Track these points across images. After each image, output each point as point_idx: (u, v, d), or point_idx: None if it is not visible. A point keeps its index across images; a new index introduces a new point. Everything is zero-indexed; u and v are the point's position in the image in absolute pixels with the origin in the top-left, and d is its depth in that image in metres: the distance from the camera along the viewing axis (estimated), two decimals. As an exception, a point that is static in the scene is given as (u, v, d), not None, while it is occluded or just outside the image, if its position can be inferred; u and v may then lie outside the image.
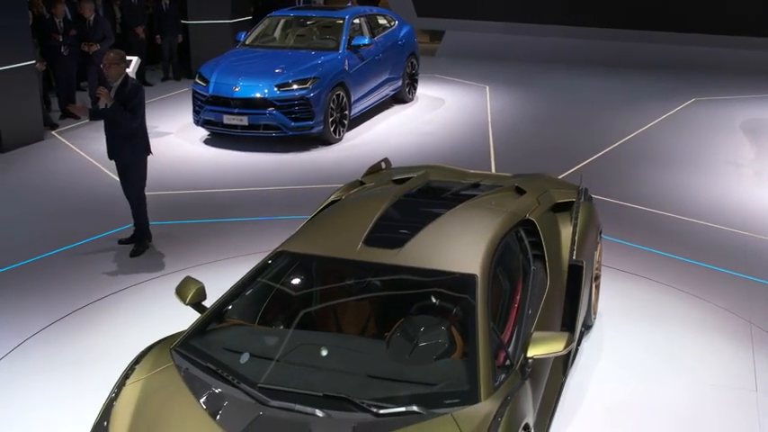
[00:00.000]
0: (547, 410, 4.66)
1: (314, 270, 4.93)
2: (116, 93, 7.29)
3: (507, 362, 4.24)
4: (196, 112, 11.25)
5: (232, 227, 8.34)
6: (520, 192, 5.87)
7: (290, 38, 12.53)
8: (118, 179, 7.69)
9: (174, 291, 4.79)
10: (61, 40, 12.41)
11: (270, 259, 4.85)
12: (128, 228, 7.89)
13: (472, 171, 6.92)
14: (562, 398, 5.02)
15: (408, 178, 6.11)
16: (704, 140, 11.60)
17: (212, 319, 4.53)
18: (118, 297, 6.79)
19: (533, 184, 6.09)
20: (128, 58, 11.22)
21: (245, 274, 4.82)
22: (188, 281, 4.79)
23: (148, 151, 7.61)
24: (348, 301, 4.83)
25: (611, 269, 6.99)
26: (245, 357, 4.22)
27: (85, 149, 11.03)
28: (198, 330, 4.44)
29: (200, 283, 4.77)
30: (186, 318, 4.84)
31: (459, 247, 4.69)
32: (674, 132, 12.01)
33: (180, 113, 12.93)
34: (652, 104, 13.62)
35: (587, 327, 5.99)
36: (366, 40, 12.07)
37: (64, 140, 11.63)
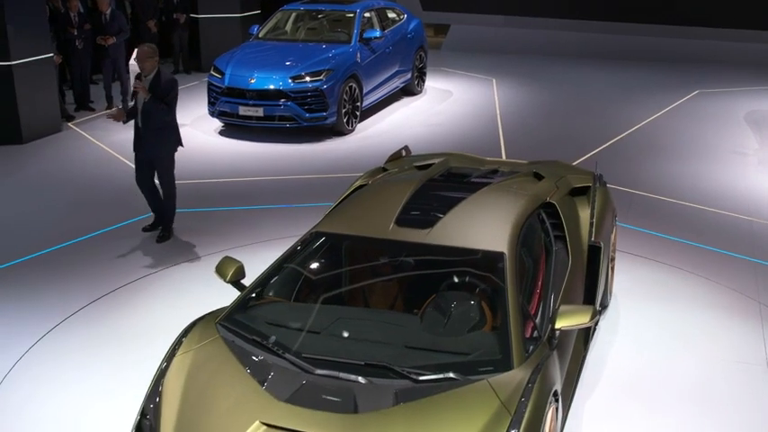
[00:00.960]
0: (570, 382, 4.90)
1: (347, 249, 5.17)
2: (150, 86, 7.45)
3: (535, 333, 4.49)
4: (211, 104, 11.47)
5: (254, 214, 8.58)
6: (538, 177, 6.12)
7: (302, 31, 12.75)
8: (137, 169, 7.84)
9: (215, 269, 5.03)
10: (76, 33, 12.61)
11: (305, 239, 5.09)
12: (150, 216, 8.09)
13: (489, 158, 7.16)
14: (583, 371, 5.27)
15: (429, 164, 6.34)
16: (709, 131, 11.83)
17: (253, 296, 4.77)
18: (150, 280, 7.03)
19: (550, 170, 6.33)
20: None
21: (279, 255, 5.06)
22: (227, 260, 5.02)
23: (179, 143, 7.81)
24: (381, 278, 5.07)
25: (624, 253, 7.24)
26: (286, 331, 4.46)
27: (104, 140, 11.25)
28: (240, 306, 4.68)
29: (240, 262, 5.00)
30: (217, 299, 5.07)
31: (486, 226, 4.93)
32: (680, 123, 12.25)
33: (193, 105, 13.15)
34: (657, 96, 13.85)
35: (604, 306, 6.23)
36: (377, 33, 12.30)
37: (81, 132, 11.85)
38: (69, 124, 12.18)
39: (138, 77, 7.62)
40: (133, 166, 8.04)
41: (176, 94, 7.57)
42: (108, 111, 7.64)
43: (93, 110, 12.96)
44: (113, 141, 11.09)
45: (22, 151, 10.92)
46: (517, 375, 4.07)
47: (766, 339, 5.97)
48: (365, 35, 12.13)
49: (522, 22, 18.47)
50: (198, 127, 11.99)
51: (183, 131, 11.62)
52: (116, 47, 12.54)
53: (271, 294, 4.86)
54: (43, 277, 7.08)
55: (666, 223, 8.16)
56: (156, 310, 6.48)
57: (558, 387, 4.28)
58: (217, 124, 11.90)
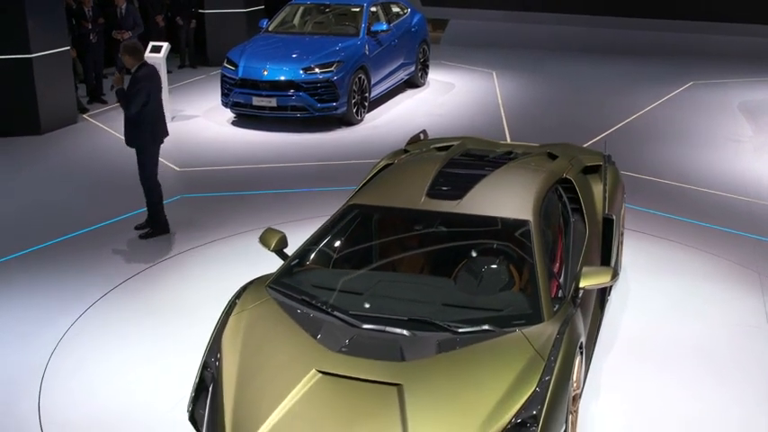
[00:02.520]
0: (590, 341, 5.31)
1: (381, 220, 5.58)
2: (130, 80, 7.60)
3: (560, 293, 4.89)
4: (225, 95, 11.82)
5: (274, 198, 8.95)
6: (552, 157, 6.52)
7: (309, 24, 13.12)
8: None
9: (258, 239, 5.41)
10: (90, 27, 12.94)
11: (341, 212, 5.48)
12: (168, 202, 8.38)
13: (502, 141, 7.56)
14: (600, 333, 5.68)
15: (448, 146, 6.74)
16: (704, 120, 12.28)
17: (297, 263, 5.15)
18: (177, 260, 7.40)
19: (563, 151, 6.73)
20: (158, 44, 11.88)
21: (301, 234, 5.45)
22: (270, 231, 5.41)
23: (155, 140, 7.72)
24: (415, 245, 5.48)
25: (631, 231, 7.65)
26: (331, 292, 4.85)
27: (120, 131, 11.53)
28: (286, 271, 5.07)
29: (282, 232, 5.39)
30: (248, 274, 5.39)
31: (511, 197, 5.34)
32: (676, 112, 12.69)
33: (203, 98, 13.51)
34: (653, 88, 14.29)
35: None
36: (384, 27, 12.68)
37: (97, 123, 12.18)
38: (84, 116, 12.51)
39: (120, 71, 7.81)
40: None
41: (138, 91, 7.43)
42: (118, 75, 7.80)
43: (105, 102, 13.28)
44: (130, 132, 11.40)
45: (41, 141, 11.25)
46: (548, 327, 4.47)
47: (766, 305, 6.39)
48: (373, 28, 12.52)
49: (520, 17, 18.92)
50: (210, 118, 12.34)
51: (197, 122, 12.15)
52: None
53: (312, 262, 5.24)
54: (79, 257, 7.43)
55: (670, 204, 8.59)
56: (187, 286, 6.87)
57: (583, 340, 4.69)
58: (229, 115, 12.26)
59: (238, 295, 4.91)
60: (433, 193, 5.37)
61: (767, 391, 5.32)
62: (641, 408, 5.14)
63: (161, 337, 6.01)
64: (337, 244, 5.38)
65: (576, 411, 4.72)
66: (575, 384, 4.51)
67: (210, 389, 4.39)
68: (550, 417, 4.05)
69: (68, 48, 11.93)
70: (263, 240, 5.38)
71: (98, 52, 13.25)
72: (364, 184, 6.07)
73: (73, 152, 10.86)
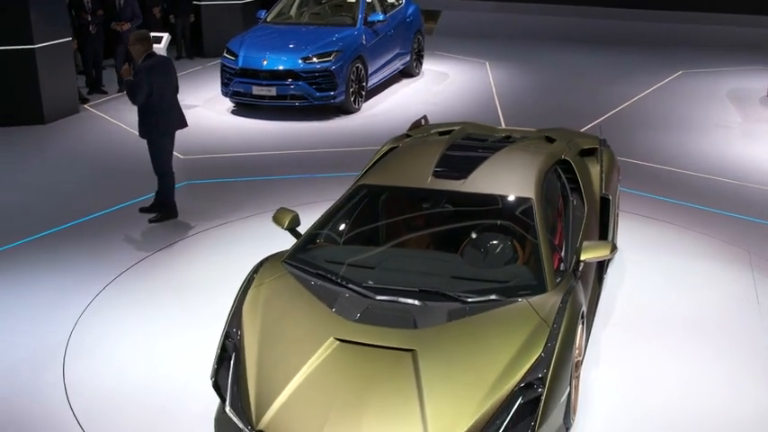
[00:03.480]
0: (590, 313, 5.58)
1: (389, 199, 5.83)
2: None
3: (562, 266, 5.16)
4: (225, 85, 12.03)
5: (278, 183, 9.18)
6: (549, 140, 6.78)
7: (306, 15, 13.34)
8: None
9: (272, 218, 5.65)
10: (90, 19, 13.10)
11: (351, 192, 5.72)
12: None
13: (500, 127, 7.81)
14: (598, 306, 5.96)
15: (449, 131, 6.99)
16: (694, 107, 12.58)
17: (310, 240, 5.40)
18: (192, 240, 7.64)
19: (560, 135, 7.00)
20: (158, 35, 12.07)
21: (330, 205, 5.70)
22: (283, 210, 5.65)
23: (166, 129, 7.85)
24: (422, 223, 5.73)
25: (626, 213, 7.92)
26: (344, 267, 5.10)
27: (123, 120, 11.77)
28: (301, 248, 5.32)
29: (295, 211, 5.63)
30: (258, 254, 5.60)
31: (513, 176, 5.60)
32: (667, 100, 12.98)
33: (202, 88, 13.70)
34: (643, 76, 14.58)
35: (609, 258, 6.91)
36: (381, 17, 12.91)
37: (98, 113, 12.37)
38: (85, 106, 12.69)
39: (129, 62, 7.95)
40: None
41: (140, 81, 7.53)
42: (125, 68, 7.93)
43: (105, 92, 13.46)
44: (132, 121, 11.56)
45: (45, 131, 11.43)
46: (551, 297, 4.74)
47: (756, 281, 6.69)
48: (369, 18, 12.74)
49: (512, 8, 19.17)
50: (210, 108, 12.54)
51: (198, 111, 12.33)
52: (130, 32, 13.01)
53: (325, 239, 5.49)
54: (91, 240, 7.65)
55: (662, 187, 8.89)
56: (199, 266, 7.12)
57: (584, 309, 4.95)
58: (228, 104, 12.46)
59: (256, 270, 5.16)
60: (439, 173, 5.63)
61: (754, 358, 5.61)
62: (638, 374, 5.42)
63: (177, 314, 6.24)
64: (348, 222, 5.63)
65: (579, 377, 4.99)
66: (577, 351, 4.77)
67: (233, 357, 4.63)
68: (556, 379, 4.32)
69: (70, 39, 12.10)
70: (277, 219, 5.62)
71: (97, 43, 13.41)
72: (371, 166, 6.31)
73: (77, 141, 11.05)
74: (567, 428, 4.68)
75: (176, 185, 8.72)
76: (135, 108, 7.94)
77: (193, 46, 16.72)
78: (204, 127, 11.54)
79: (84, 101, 12.90)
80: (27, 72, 11.40)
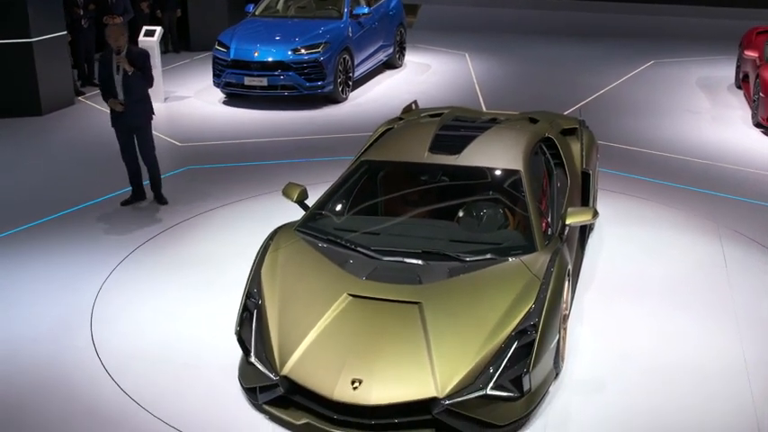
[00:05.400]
0: (575, 273, 6.13)
1: (390, 173, 6.34)
2: (129, 61, 7.97)
3: (549, 231, 5.70)
4: (217, 76, 12.47)
5: (275, 167, 9.65)
6: (533, 121, 7.31)
7: (292, 9, 13.79)
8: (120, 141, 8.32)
9: (282, 192, 6.14)
10: (81, 14, 13.46)
11: (355, 167, 6.23)
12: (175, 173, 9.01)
13: (485, 111, 8.35)
14: (580, 273, 6.51)
15: (439, 114, 7.51)
16: (666, 94, 13.21)
17: (318, 211, 5.90)
18: (198, 219, 8.09)
19: (542, 116, 7.54)
20: (152, 28, 12.50)
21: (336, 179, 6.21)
22: (292, 185, 6.15)
23: (153, 112, 8.30)
24: (421, 194, 6.25)
25: (604, 190, 8.48)
26: (352, 233, 5.61)
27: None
28: (310, 217, 5.82)
29: (303, 185, 6.13)
30: (263, 231, 6.08)
31: (503, 151, 6.14)
32: (640, 88, 13.61)
33: (193, 79, 14.13)
34: (616, 66, 15.21)
35: (590, 229, 7.47)
36: (366, 10, 13.40)
37: (93, 104, 12.74)
38: (80, 98, 13.07)
39: (116, 53, 7.98)
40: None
41: (150, 65, 8.08)
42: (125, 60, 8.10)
43: (97, 85, 13.81)
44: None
45: (43, 122, 11.80)
46: (541, 256, 5.28)
47: (723, 248, 7.27)
48: (355, 11, 13.23)
49: (488, 2, 19.72)
50: (202, 98, 12.97)
51: (190, 102, 12.77)
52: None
53: (331, 210, 5.99)
54: (101, 221, 8.08)
55: (638, 167, 9.49)
56: (209, 242, 7.57)
57: (570, 268, 5.50)
58: (219, 95, 12.90)
59: (271, 237, 5.66)
60: (435, 149, 6.15)
61: (723, 315, 6.19)
62: (618, 330, 5.98)
63: (192, 284, 6.70)
64: (352, 194, 6.13)
65: (566, 329, 5.53)
66: (564, 305, 5.31)
67: (255, 314, 5.12)
68: (547, 326, 4.85)
69: (65, 32, 12.47)
70: (286, 193, 6.11)
71: (89, 38, 13.78)
72: (370, 145, 6.81)
73: (76, 131, 11.43)
74: (557, 373, 5.23)
75: (177, 170, 9.20)
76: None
77: (180, 40, 17.10)
78: (198, 116, 11.98)
79: (79, 93, 13.27)
80: (25, 65, 11.76)
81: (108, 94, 8.12)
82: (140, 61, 8.05)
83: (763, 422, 4.94)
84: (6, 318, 6.23)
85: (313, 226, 5.73)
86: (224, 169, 9.67)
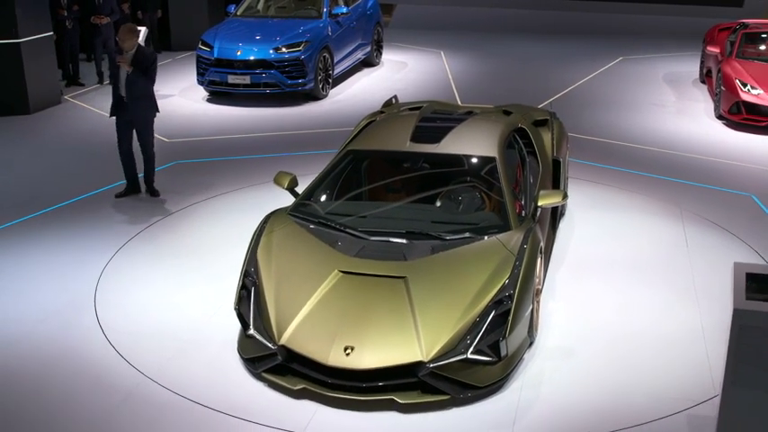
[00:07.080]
0: (547, 251, 6.61)
1: (374, 161, 6.79)
2: (132, 60, 8.45)
3: (523, 213, 6.18)
4: (201, 74, 12.85)
5: (261, 161, 10.06)
6: (507, 113, 7.79)
7: (272, 9, 14.20)
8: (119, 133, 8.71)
9: (273, 180, 6.57)
10: (66, 15, 13.78)
11: (341, 157, 6.67)
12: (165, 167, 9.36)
13: (462, 104, 8.82)
14: (552, 252, 7.00)
15: (418, 107, 7.97)
16: (633, 89, 13.78)
17: (309, 196, 6.33)
18: (190, 210, 8.49)
19: (515, 108, 8.02)
20: (137, 28, 12.82)
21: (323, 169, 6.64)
22: (282, 173, 6.58)
23: (157, 109, 8.76)
24: (404, 180, 6.70)
25: (574, 179, 8.98)
26: (341, 216, 6.05)
27: (105, 109, 12.47)
28: (301, 203, 6.26)
29: (293, 173, 6.56)
30: (252, 220, 6.52)
31: (479, 140, 6.61)
32: (609, 83, 14.18)
33: (176, 78, 14.49)
34: (586, 63, 15.77)
35: (561, 213, 7.96)
36: (344, 10, 13.85)
37: (79, 103, 13.08)
38: (66, 97, 13.38)
39: (119, 52, 8.49)
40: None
41: (156, 67, 8.56)
42: (121, 57, 8.51)
43: (83, 85, 14.16)
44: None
45: (32, 120, 12.11)
46: (515, 234, 5.75)
47: (685, 229, 7.80)
48: (333, 11, 13.66)
49: (463, 1, 20.24)
50: (186, 96, 13.34)
51: (175, 100, 13.14)
52: (107, 27, 13.79)
53: (320, 196, 6.43)
54: (96, 213, 8.44)
55: (606, 157, 10.03)
56: (203, 231, 7.97)
57: (542, 245, 5.97)
58: (203, 93, 13.28)
59: (265, 221, 6.08)
60: (416, 138, 6.62)
61: (683, 289, 6.70)
62: (586, 303, 6.47)
63: (189, 269, 7.10)
64: (339, 181, 6.57)
65: (539, 302, 6.00)
66: (537, 279, 5.78)
67: (252, 291, 5.54)
68: (521, 297, 5.32)
69: (51, 33, 12.78)
70: (278, 181, 6.54)
71: (74, 38, 14.09)
72: (355, 136, 7.25)
73: (65, 128, 11.75)
74: (531, 342, 5.70)
75: (167, 164, 9.57)
76: (110, 99, 8.68)
77: (161, 40, 17.42)
78: (183, 114, 12.35)
79: (65, 92, 13.57)
80: (13, 65, 12.06)
81: (115, 88, 8.60)
82: (145, 62, 8.46)
83: (718, 383, 5.43)
84: (14, 302, 6.59)
85: (304, 210, 6.17)
86: (211, 163, 10.07)
